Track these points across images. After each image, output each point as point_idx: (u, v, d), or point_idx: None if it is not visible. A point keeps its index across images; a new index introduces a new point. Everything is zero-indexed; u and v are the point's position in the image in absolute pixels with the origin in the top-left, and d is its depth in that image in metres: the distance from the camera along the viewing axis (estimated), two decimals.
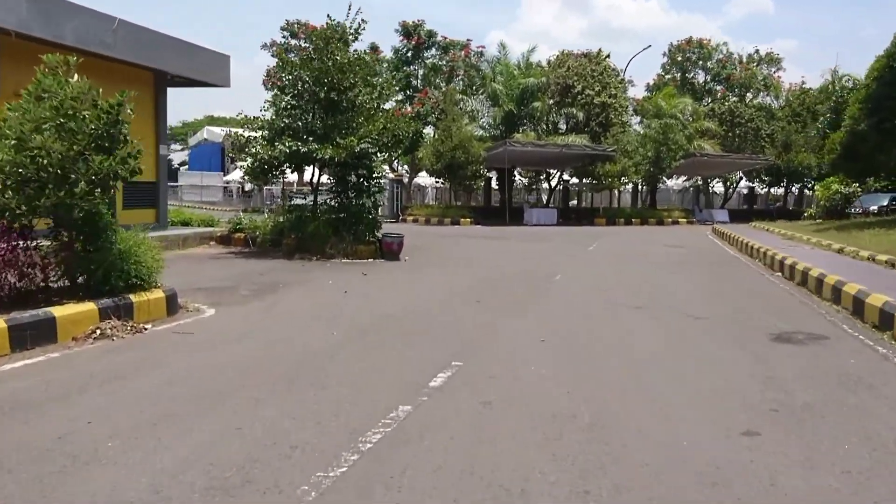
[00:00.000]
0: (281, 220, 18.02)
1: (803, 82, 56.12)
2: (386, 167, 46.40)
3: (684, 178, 45.54)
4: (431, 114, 37.93)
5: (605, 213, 38.06)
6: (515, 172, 43.48)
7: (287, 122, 16.42)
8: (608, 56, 41.09)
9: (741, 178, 50.66)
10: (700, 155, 39.85)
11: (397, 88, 38.86)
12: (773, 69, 54.04)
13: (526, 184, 49.22)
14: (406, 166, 45.29)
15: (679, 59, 54.75)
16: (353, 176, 16.50)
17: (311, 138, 16.26)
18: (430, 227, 32.83)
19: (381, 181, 17.49)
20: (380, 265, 15.24)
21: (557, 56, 41.56)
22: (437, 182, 41.90)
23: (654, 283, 13.08)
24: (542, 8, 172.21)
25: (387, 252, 16.35)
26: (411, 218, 36.34)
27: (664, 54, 56.42)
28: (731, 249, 21.66)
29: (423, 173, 42.83)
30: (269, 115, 16.89)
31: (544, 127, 39.88)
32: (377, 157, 16.81)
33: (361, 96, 17.34)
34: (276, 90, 17.12)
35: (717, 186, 53.13)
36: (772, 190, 56.64)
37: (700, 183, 49.44)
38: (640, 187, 44.08)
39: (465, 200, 48.66)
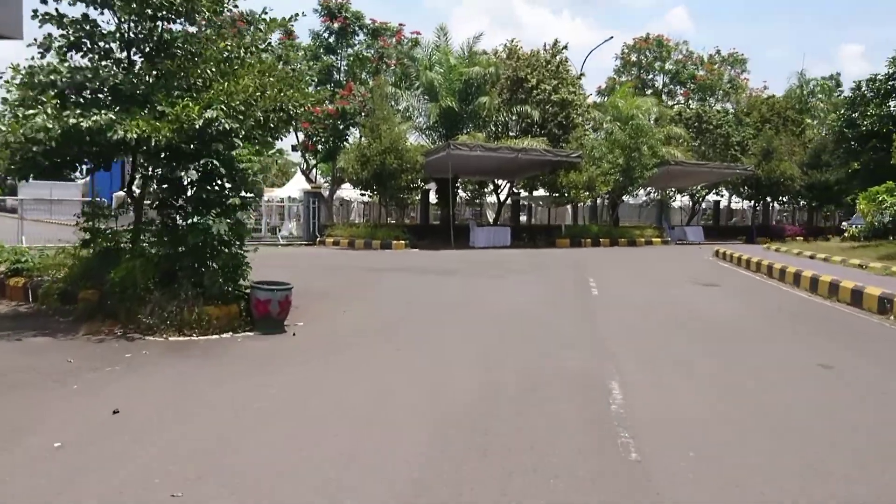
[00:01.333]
0: (87, 254, 10.48)
1: (765, 87, 51.54)
2: (301, 180, 38.97)
3: (649, 190, 39.40)
4: (359, 113, 30.65)
5: (567, 232, 31.42)
6: (458, 184, 36.60)
7: (68, 76, 8.96)
8: (565, 47, 34.72)
9: (707, 192, 45.12)
10: (674, 163, 33.79)
11: (311, 77, 31.56)
12: (739, 70, 48.95)
13: (469, 197, 42.38)
14: (327, 176, 37.97)
15: (633, 59, 49.11)
16: (192, 174, 9.07)
17: (114, 104, 8.93)
18: (354, 252, 25.60)
19: (255, 186, 10.07)
20: (234, 353, 8.02)
21: (506, 45, 34.92)
22: (364, 195, 34.79)
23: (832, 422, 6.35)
24: (469, 23, 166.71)
25: (259, 319, 9.09)
26: (331, 240, 29.03)
27: (616, 56, 50.76)
28: (788, 287, 15.12)
29: (348, 185, 35.51)
30: (41, 61, 9.38)
31: (493, 129, 33.08)
32: (241, 142, 9.44)
33: (222, 41, 10.18)
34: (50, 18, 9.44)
35: (678, 201, 47.47)
36: (744, 204, 51.45)
37: (665, 197, 43.55)
38: (599, 202, 37.80)
39: (398, 217, 41.58)
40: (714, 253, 24.29)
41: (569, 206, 37.28)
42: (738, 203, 50.37)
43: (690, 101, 46.03)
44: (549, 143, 31.06)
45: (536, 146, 29.62)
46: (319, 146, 31.67)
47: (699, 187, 42.88)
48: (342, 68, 34.04)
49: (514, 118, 32.79)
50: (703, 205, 48.28)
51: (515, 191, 37.18)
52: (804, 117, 47.41)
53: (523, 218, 41.67)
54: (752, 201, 40.68)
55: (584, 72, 35.33)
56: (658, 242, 33.56)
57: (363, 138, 27.79)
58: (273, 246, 28.41)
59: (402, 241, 27.58)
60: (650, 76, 49.01)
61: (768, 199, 39.15)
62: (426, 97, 31.29)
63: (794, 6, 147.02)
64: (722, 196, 48.27)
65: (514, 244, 30.79)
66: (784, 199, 41.17)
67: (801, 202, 44.39)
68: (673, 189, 41.38)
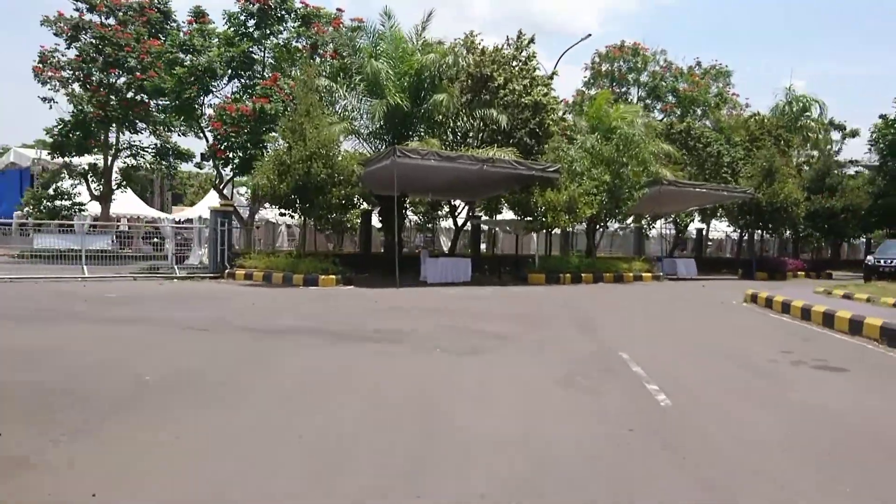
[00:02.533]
0: None
1: (747, 104, 46.63)
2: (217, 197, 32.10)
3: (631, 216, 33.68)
4: (284, 111, 24.19)
5: (541, 264, 25.29)
6: (407, 204, 30.33)
7: None
8: (532, 40, 28.90)
9: (692, 219, 39.69)
10: (667, 183, 28.13)
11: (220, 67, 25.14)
12: (723, 84, 43.91)
13: (419, 221, 36.07)
14: (246, 192, 31.40)
15: (604, 69, 43.74)
16: None
17: None
18: (266, 290, 19.06)
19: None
20: None
21: (466, 37, 28.91)
22: (286, 216, 28.33)
23: None
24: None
25: None
26: (243, 273, 22.51)
27: (586, 66, 45.35)
28: None
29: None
30: None
31: (450, 135, 26.96)
32: None
33: None
34: None
35: (654, 229, 41.91)
36: (730, 232, 46.33)
37: (644, 224, 37.90)
38: (569, 228, 31.85)
39: (336, 244, 35.09)
40: (748, 297, 18.36)
41: (534, 234, 31.39)
42: (716, 232, 45.24)
43: (671, 117, 40.67)
44: (520, 155, 25.08)
45: (505, 157, 23.56)
46: (231, 153, 25.10)
47: (683, 214, 37.42)
48: (266, 61, 27.65)
49: (476, 123, 26.71)
50: (686, 233, 42.98)
51: (476, 213, 31.06)
52: (793, 136, 42.55)
53: (483, 247, 35.54)
54: (750, 229, 35.20)
55: (557, 70, 29.14)
56: (648, 278, 27.75)
57: (283, 140, 21.32)
58: (168, 279, 21.71)
59: (333, 276, 21.14)
60: (623, 89, 43.64)
61: (769, 227, 33.72)
62: (369, 95, 25.01)
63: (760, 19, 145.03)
64: (711, 224, 43.14)
65: (475, 279, 24.61)
66: (785, 229, 35.81)
67: (800, 231, 39.20)
68: (670, 214, 35.76)
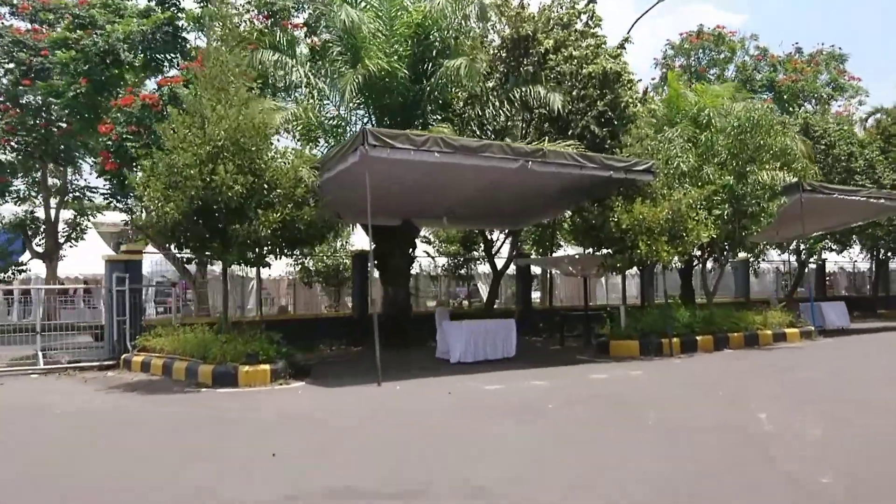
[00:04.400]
0: None
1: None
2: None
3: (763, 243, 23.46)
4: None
5: (631, 324, 15.46)
6: (421, 239, 21.15)
7: None
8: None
9: (822, 245, 29.30)
10: (809, 189, 18.27)
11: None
12: (835, 70, 33.90)
13: (449, 265, 26.47)
14: None
15: (678, 65, 34.18)
16: None
17: None
18: (135, 401, 9.84)
19: None
20: None
21: None
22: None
23: None
24: None
25: None
26: (140, 360, 13.66)
27: (655, 62, 36.01)
28: None
29: None
30: None
31: (476, 128, 17.53)
32: None
33: None
34: None
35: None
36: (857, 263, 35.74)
37: (759, 253, 27.65)
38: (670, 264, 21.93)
39: (333, 301, 25.90)
40: None
41: (614, 275, 21.78)
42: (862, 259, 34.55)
43: (778, 109, 30.74)
44: (585, 150, 15.65)
45: (568, 149, 14.23)
46: (129, 166, 16.01)
47: (813, 239, 27.09)
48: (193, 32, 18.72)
49: (514, 108, 17.41)
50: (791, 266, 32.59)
51: (522, 250, 21.59)
52: None
53: (537, 297, 25.81)
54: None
55: (630, 37, 19.69)
56: (795, 336, 17.76)
57: (171, 134, 12.15)
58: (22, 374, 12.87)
59: (267, 367, 11.86)
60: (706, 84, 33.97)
61: None
62: (342, 63, 15.95)
63: None
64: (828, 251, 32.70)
65: (523, 352, 15.27)
66: None
67: None
68: (794, 239, 25.51)
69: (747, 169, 16.48)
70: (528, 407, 8.95)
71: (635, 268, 16.87)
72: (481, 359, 14.60)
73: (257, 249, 12.19)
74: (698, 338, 15.81)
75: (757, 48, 34.42)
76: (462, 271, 26.06)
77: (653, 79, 34.79)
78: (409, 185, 14.28)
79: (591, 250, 16.35)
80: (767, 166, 16.87)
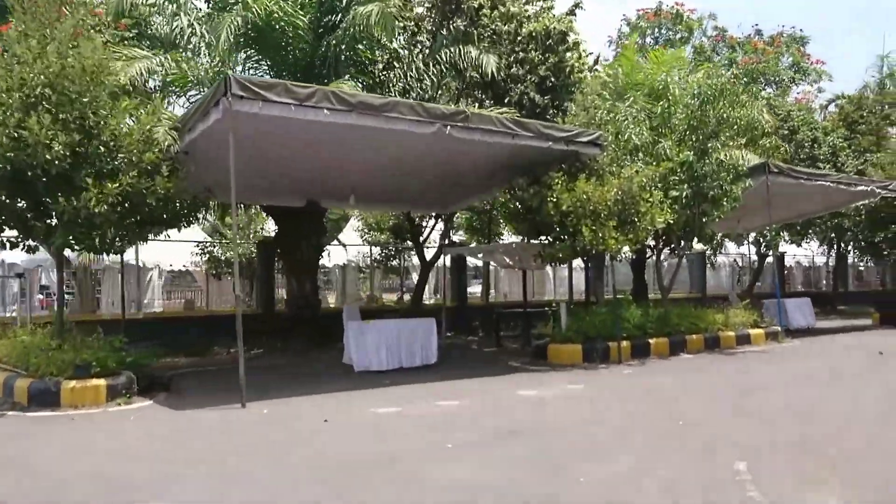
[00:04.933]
0: None
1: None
2: None
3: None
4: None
5: (574, 324, 13.05)
6: (351, 229, 18.51)
7: None
8: None
9: (779, 237, 27.34)
10: (776, 171, 16.16)
11: None
12: (797, 53, 32.06)
13: (380, 256, 23.84)
14: None
15: (635, 44, 31.97)
16: None
17: None
18: None
19: None
20: None
21: None
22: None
23: None
24: None
25: None
26: None
27: (609, 40, 33.83)
28: None
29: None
30: None
31: (391, 86, 14.86)
32: None
33: None
34: None
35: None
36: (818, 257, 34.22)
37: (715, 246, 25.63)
38: (619, 254, 19.65)
39: (248, 296, 23.07)
40: None
41: (555, 268, 19.58)
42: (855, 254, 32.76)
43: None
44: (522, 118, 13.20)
45: (490, 115, 11.76)
46: None
47: (775, 230, 25.11)
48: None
49: (442, 71, 14.87)
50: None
51: (451, 238, 19.13)
52: None
53: (479, 292, 23.32)
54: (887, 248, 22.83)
55: (582, 1, 17.26)
56: (761, 338, 15.65)
57: None
58: None
59: (101, 381, 9.15)
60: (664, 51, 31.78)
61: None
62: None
63: None
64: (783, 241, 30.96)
65: (448, 355, 12.94)
66: None
67: None
68: (753, 229, 23.42)
69: (708, 145, 14.19)
70: (411, 454, 6.45)
71: (581, 259, 14.49)
72: (394, 366, 12.12)
73: (94, 231, 9.40)
74: (651, 341, 13.53)
75: (715, 28, 32.45)
76: (395, 262, 23.49)
77: (605, 59, 32.60)
78: (304, 155, 11.68)
79: (528, 238, 13.87)
80: (731, 143, 14.63)
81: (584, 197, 11.83)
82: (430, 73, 14.70)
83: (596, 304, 15.01)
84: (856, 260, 35.86)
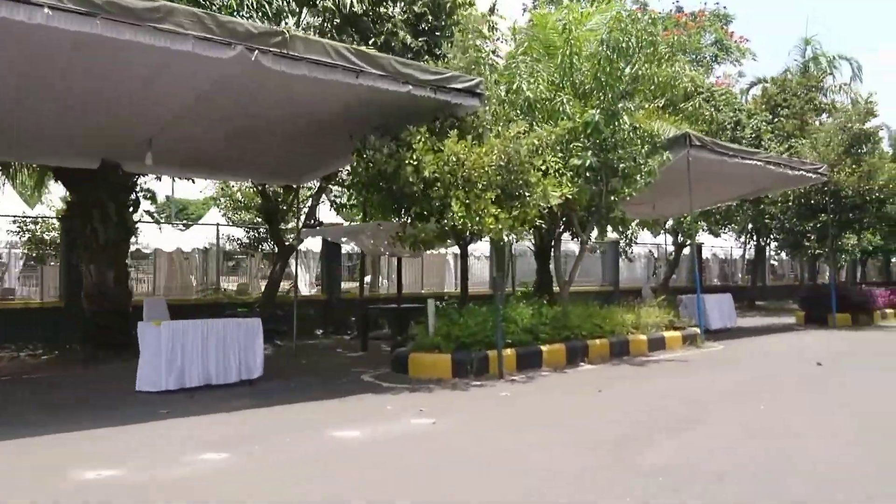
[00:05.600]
0: None
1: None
2: None
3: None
4: None
5: (443, 327, 10.10)
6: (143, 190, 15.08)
7: None
8: None
9: (700, 227, 25.06)
10: (698, 144, 13.62)
11: None
12: (720, 30, 30.05)
13: (242, 240, 20.30)
14: None
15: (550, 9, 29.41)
16: None
17: None
18: None
19: None
20: None
21: None
22: None
23: None
24: None
25: None
26: None
27: (525, 7, 31.08)
28: None
29: None
30: None
31: (228, 8, 11.51)
32: None
33: None
34: None
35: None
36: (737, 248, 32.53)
37: (631, 234, 23.18)
38: (511, 238, 16.73)
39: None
40: None
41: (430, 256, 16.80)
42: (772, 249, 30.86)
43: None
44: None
45: (323, 41, 8.63)
46: None
47: (691, 218, 22.74)
48: None
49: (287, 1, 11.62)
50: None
51: (316, 218, 15.92)
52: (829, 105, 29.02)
53: (367, 283, 20.11)
54: (812, 239, 20.70)
55: None
56: (676, 340, 13.13)
57: None
58: None
59: None
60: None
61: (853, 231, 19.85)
62: None
63: None
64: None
65: (282, 366, 9.68)
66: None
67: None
68: (670, 217, 20.96)
69: (619, 106, 11.44)
70: None
71: (458, 246, 11.55)
72: (202, 383, 8.91)
73: None
74: (544, 348, 10.71)
75: (636, 1, 30.12)
76: (265, 246, 20.10)
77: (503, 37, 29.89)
78: (68, 91, 8.31)
79: (387, 215, 10.78)
80: (648, 105, 11.95)
81: (455, 160, 8.86)
82: (271, 3, 11.39)
83: (469, 303, 12.06)
84: (771, 253, 34.52)
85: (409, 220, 9.59)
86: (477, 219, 8.91)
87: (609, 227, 13.11)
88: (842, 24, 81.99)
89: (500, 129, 9.77)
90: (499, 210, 9.04)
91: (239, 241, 19.51)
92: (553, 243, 14.39)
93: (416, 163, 8.83)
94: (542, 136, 9.78)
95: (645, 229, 23.89)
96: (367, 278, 21.67)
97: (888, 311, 20.80)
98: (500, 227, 9.04)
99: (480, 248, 21.08)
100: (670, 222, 23.41)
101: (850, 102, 29.73)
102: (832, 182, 18.12)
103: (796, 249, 23.27)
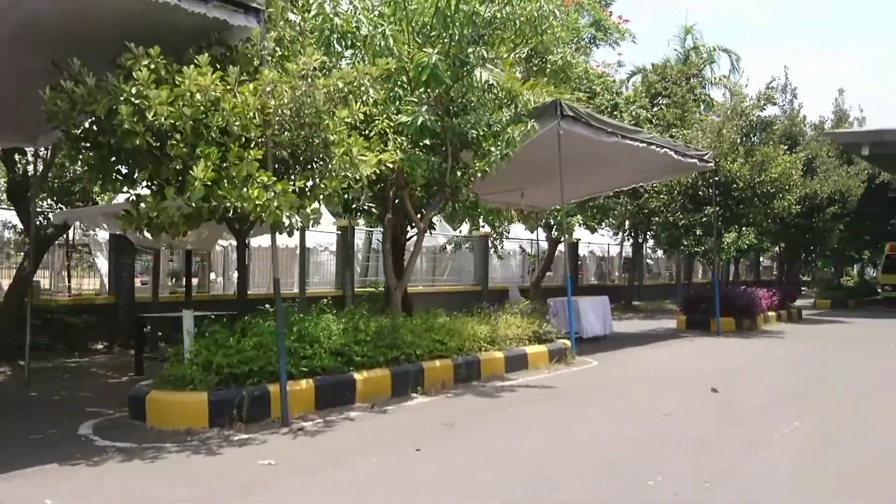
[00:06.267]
0: None
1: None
2: None
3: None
4: None
5: (201, 354, 6.99)
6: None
7: None
8: None
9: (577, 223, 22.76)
10: (575, 116, 11.09)
11: None
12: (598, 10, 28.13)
13: None
14: None
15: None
16: None
17: None
18: None
19: None
20: None
21: None
22: None
23: None
24: None
25: None
26: None
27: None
28: None
29: None
30: None
31: None
32: None
33: None
34: None
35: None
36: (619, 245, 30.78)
37: (500, 225, 20.56)
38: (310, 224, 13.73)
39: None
40: None
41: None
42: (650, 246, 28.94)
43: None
44: None
45: None
46: None
47: (565, 209, 20.28)
48: None
49: None
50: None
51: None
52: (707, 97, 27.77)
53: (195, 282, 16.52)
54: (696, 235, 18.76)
55: None
56: (541, 357, 10.50)
57: None
58: None
59: None
60: (434, 34, 26.51)
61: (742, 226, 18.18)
62: None
63: None
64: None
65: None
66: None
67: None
68: (540, 207, 18.33)
69: (469, 55, 8.61)
70: None
71: (235, 236, 8.38)
72: None
73: None
74: (360, 376, 7.73)
75: None
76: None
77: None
78: None
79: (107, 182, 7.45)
80: (506, 56, 9.20)
81: (202, 100, 5.71)
82: None
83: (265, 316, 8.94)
84: (647, 251, 33.27)
85: (138, 193, 6.36)
86: (240, 195, 5.80)
87: (460, 214, 10.27)
88: (726, 20, 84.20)
89: (290, 64, 6.69)
90: (274, 179, 5.96)
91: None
92: (410, 235, 11.46)
93: (137, 102, 5.61)
94: (352, 76, 6.78)
95: (518, 221, 21.56)
96: (212, 276, 18.20)
97: (770, 314, 19.29)
98: (275, 203, 5.95)
99: (328, 240, 17.97)
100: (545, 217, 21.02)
101: (729, 95, 28.66)
102: (722, 172, 16.24)
103: (674, 247, 21.57)
